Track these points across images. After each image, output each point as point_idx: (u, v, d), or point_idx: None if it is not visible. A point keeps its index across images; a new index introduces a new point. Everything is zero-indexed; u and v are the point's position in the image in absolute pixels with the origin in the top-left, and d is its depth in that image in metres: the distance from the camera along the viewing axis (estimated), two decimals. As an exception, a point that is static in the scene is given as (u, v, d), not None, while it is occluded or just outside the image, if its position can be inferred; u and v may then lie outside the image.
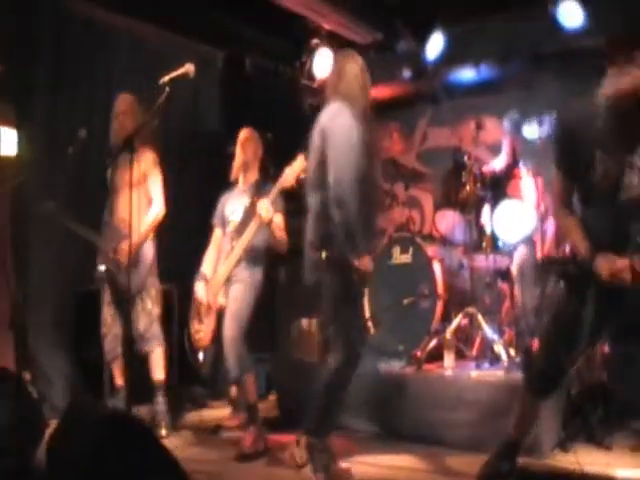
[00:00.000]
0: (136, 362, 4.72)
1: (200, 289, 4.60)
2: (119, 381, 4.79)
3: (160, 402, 4.77)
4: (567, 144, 3.25)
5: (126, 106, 4.92)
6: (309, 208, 3.82)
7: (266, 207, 4.26)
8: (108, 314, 4.81)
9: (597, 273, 3.06)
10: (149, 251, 4.85)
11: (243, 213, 4.55)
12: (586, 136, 3.10)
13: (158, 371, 4.81)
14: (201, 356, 4.60)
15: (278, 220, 4.45)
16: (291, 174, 4.23)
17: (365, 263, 3.65)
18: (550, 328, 3.56)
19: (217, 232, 4.76)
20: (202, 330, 4.56)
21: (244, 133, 4.73)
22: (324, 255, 3.65)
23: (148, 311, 4.79)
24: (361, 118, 3.73)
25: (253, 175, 4.72)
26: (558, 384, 3.48)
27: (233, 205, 4.67)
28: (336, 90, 3.82)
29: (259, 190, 4.55)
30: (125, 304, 4.56)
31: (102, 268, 4.82)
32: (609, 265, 3.04)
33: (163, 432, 4.68)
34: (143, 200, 4.73)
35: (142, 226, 4.71)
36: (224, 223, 4.69)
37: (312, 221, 3.78)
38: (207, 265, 4.68)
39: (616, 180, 3.08)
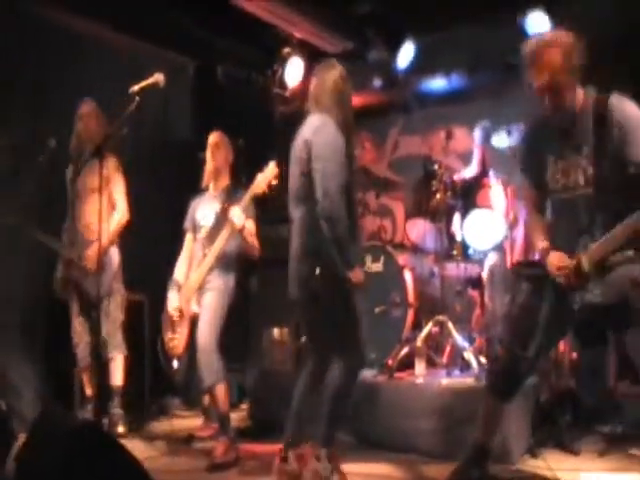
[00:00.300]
0: (105, 371, 4.73)
1: (173, 297, 4.57)
2: (89, 391, 4.76)
3: (115, 406, 4.76)
4: (526, 155, 3.48)
5: (89, 110, 4.95)
6: (292, 220, 3.79)
7: (238, 214, 4.27)
8: (77, 322, 4.80)
9: (549, 271, 3.17)
10: (114, 257, 4.87)
11: (214, 219, 4.54)
12: (538, 144, 3.33)
13: (116, 377, 4.81)
14: (175, 364, 4.58)
15: (250, 226, 4.45)
16: (263, 180, 4.25)
17: (357, 275, 3.65)
18: (510, 329, 3.64)
19: (188, 237, 4.74)
20: (176, 338, 4.54)
21: (213, 137, 4.70)
22: (318, 270, 3.62)
23: (113, 318, 4.79)
24: (343, 129, 3.71)
25: (224, 180, 4.71)
26: (519, 385, 3.51)
27: (204, 210, 4.66)
28: (318, 101, 3.78)
29: (230, 196, 4.55)
30: (94, 311, 4.54)
31: (59, 275, 4.80)
32: (557, 262, 3.15)
33: (120, 429, 4.70)
34: (107, 206, 4.69)
35: (106, 232, 4.63)
36: (195, 228, 4.68)
37: (299, 234, 3.73)
38: (179, 272, 4.66)
39: (562, 179, 3.23)
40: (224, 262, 4.50)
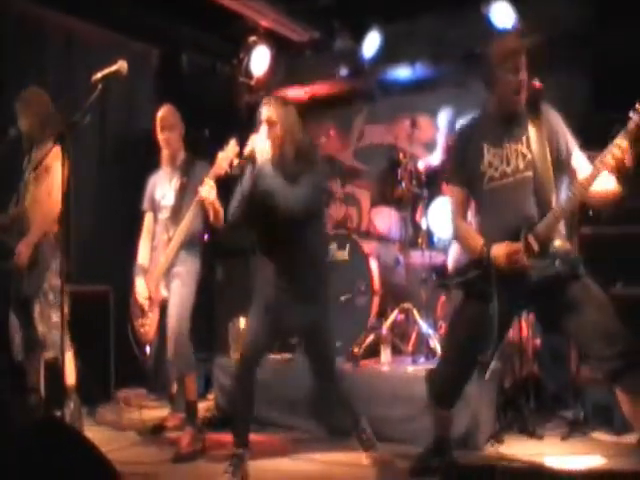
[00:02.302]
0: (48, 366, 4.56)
1: (140, 282, 4.48)
2: (29, 383, 4.61)
3: (70, 405, 4.54)
4: (457, 154, 3.58)
5: (24, 98, 4.70)
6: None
7: (209, 187, 4.10)
8: (12, 317, 4.62)
9: (495, 263, 3.21)
10: (47, 252, 4.50)
11: (175, 197, 4.44)
12: (474, 137, 3.46)
13: (66, 376, 4.52)
14: (147, 350, 4.52)
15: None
16: (224, 159, 4.12)
17: None
18: (449, 338, 3.72)
19: (148, 218, 4.64)
20: (147, 324, 4.45)
21: (161, 111, 4.58)
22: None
23: (46, 317, 4.47)
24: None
25: (179, 154, 4.60)
26: (459, 392, 3.59)
27: (163, 189, 4.56)
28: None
29: (188, 169, 4.46)
30: (21, 308, 4.48)
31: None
32: (504, 250, 3.19)
33: (78, 424, 4.60)
34: (45, 194, 4.49)
35: (37, 224, 4.47)
36: (155, 208, 4.58)
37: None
38: (143, 255, 4.57)
39: (501, 165, 3.34)
40: (190, 243, 4.40)
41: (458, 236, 3.58)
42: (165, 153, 4.60)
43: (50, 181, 4.50)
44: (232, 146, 4.16)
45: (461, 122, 3.66)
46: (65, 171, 4.43)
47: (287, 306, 3.73)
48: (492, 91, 3.38)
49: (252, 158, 3.73)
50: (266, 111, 3.77)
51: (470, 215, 3.70)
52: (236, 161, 4.11)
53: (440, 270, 5.47)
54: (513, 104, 3.34)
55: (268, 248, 3.82)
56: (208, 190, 4.11)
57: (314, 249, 3.82)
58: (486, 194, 3.40)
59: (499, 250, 3.21)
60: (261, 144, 3.76)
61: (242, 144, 3.99)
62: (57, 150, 4.54)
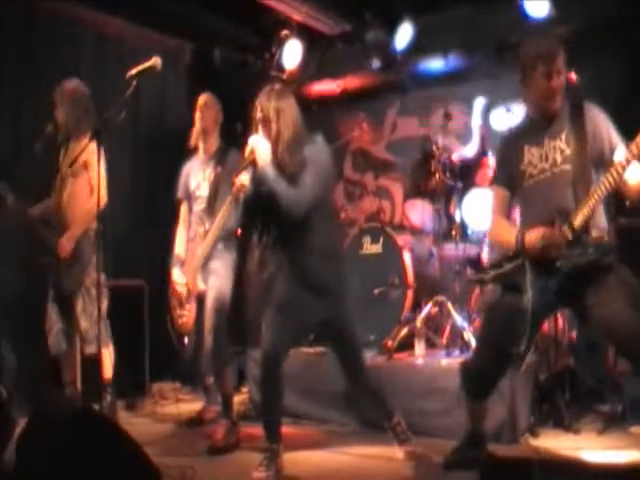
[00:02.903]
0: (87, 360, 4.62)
1: (177, 274, 4.49)
2: (67, 377, 4.71)
3: (106, 399, 4.58)
4: (502, 158, 3.58)
5: (62, 92, 4.72)
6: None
7: (243, 180, 3.97)
8: (52, 309, 4.68)
9: (528, 249, 3.18)
10: (87, 248, 4.55)
11: (209, 188, 4.43)
12: (517, 140, 3.44)
13: (104, 371, 4.56)
14: (186, 341, 4.53)
15: None
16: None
17: None
18: (483, 333, 3.68)
19: (183, 206, 4.64)
20: (184, 315, 4.47)
21: (202, 98, 4.60)
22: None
23: (89, 312, 4.54)
24: None
25: (214, 143, 4.60)
26: (493, 386, 3.57)
27: (197, 177, 4.55)
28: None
29: (221, 158, 4.44)
30: (64, 302, 4.53)
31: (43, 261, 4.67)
32: (537, 235, 3.17)
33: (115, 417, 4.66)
34: (85, 190, 4.57)
35: (79, 220, 4.53)
36: (189, 197, 4.58)
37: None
38: (179, 245, 4.58)
39: (539, 162, 3.32)
40: (226, 237, 4.40)
41: (492, 231, 3.55)
42: (199, 138, 4.59)
43: (90, 177, 4.54)
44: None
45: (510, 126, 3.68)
46: (102, 167, 4.54)
47: (301, 300, 3.60)
48: (526, 91, 3.35)
49: (252, 160, 3.60)
50: (257, 110, 3.64)
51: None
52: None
53: (474, 262, 5.43)
54: (546, 109, 3.32)
55: (275, 241, 3.71)
56: (243, 182, 4.10)
57: (323, 237, 3.63)
58: (525, 191, 3.39)
59: (533, 235, 3.19)
60: (263, 144, 3.62)
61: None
62: (94, 146, 4.60)
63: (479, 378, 3.54)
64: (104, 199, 4.48)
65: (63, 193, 4.65)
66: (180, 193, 4.66)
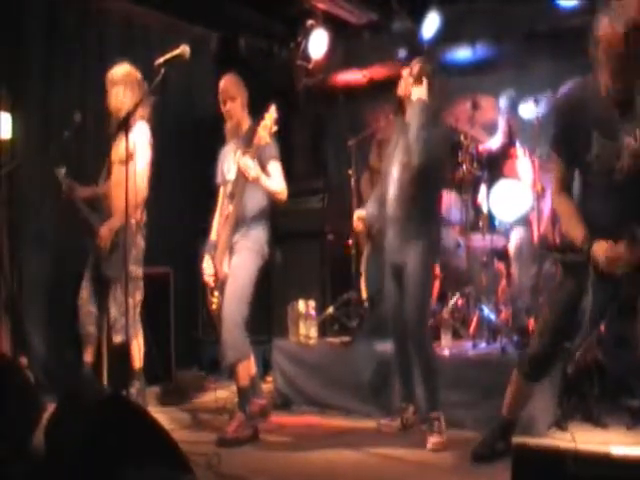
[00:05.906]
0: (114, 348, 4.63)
1: (206, 262, 4.41)
2: (87, 358, 4.67)
3: (135, 386, 4.59)
4: (564, 127, 3.20)
5: (115, 76, 4.67)
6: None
7: (250, 165, 4.08)
8: (85, 289, 4.68)
9: (594, 261, 3.00)
10: (129, 237, 4.41)
11: (236, 171, 4.31)
12: (583, 117, 3.06)
13: (132, 360, 4.60)
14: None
15: (273, 169, 4.27)
16: (265, 128, 4.07)
17: None
18: (545, 316, 3.57)
19: (221, 191, 4.55)
20: (214, 302, 4.36)
21: (222, 82, 4.51)
22: None
23: (120, 302, 4.46)
24: None
25: (244, 124, 4.49)
26: (549, 370, 3.53)
27: (229, 162, 4.46)
28: None
29: (251, 140, 4.26)
30: (100, 286, 4.57)
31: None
32: (605, 252, 2.97)
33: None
34: (130, 180, 4.57)
35: (120, 209, 4.39)
36: (225, 182, 4.50)
37: None
38: (214, 231, 4.50)
39: (611, 161, 3.01)
40: (249, 218, 4.30)
41: (560, 215, 3.30)
42: (229, 125, 4.53)
43: (135, 166, 4.47)
44: (272, 112, 4.11)
45: (565, 89, 3.17)
46: (146, 157, 4.53)
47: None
48: (600, 74, 2.97)
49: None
50: None
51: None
52: (275, 128, 4.07)
53: (501, 254, 5.39)
54: (620, 96, 2.97)
55: None
56: (249, 167, 4.09)
57: None
58: (590, 187, 3.15)
59: (600, 249, 2.98)
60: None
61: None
62: (142, 135, 4.60)
63: (539, 360, 3.46)
64: (145, 191, 4.57)
65: (111, 179, 4.65)
66: (218, 178, 4.58)
